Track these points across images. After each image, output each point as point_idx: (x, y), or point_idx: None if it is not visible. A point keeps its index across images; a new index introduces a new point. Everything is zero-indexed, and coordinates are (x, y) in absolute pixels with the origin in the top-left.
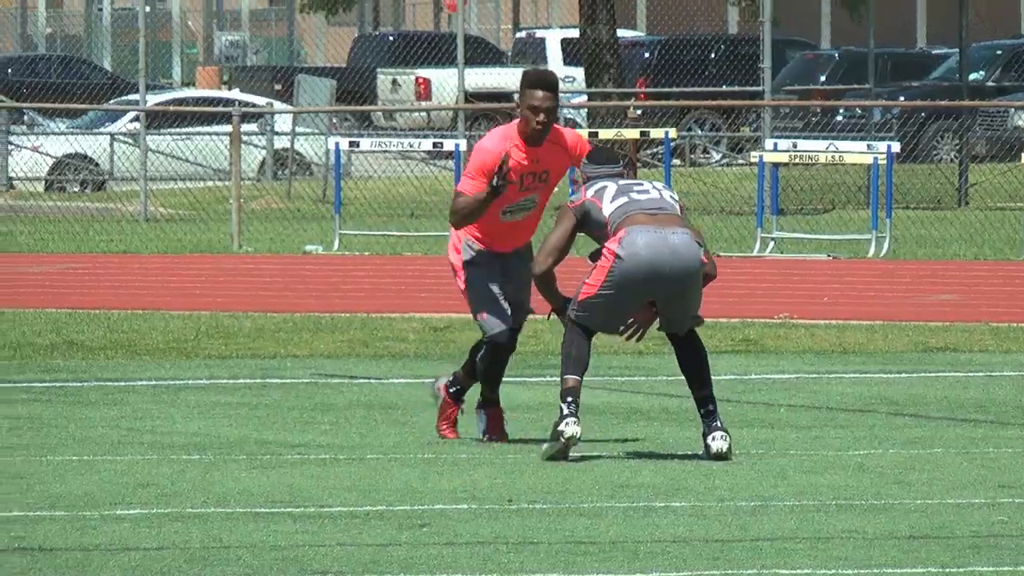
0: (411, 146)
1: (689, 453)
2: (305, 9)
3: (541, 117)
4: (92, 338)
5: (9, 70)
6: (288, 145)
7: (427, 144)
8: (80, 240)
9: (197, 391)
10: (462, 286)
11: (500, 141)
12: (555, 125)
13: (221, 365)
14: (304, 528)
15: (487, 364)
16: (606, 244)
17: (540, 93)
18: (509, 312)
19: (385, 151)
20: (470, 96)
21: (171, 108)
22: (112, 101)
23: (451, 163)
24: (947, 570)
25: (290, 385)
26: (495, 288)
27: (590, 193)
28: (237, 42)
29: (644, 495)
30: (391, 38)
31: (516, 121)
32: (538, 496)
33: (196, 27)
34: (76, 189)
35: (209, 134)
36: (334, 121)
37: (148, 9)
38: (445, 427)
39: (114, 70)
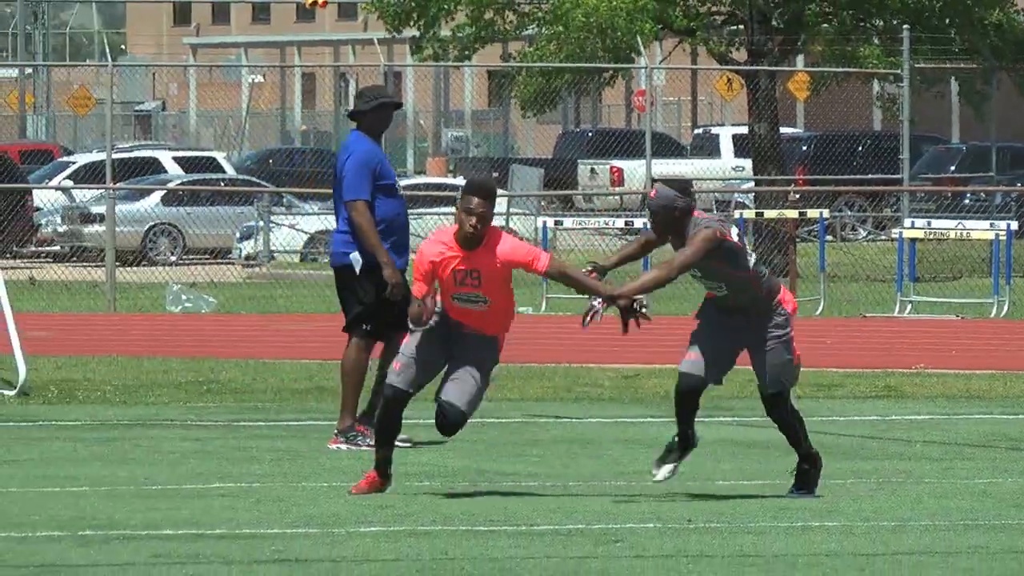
0: (606, 224)
1: (840, 482)
2: (519, 109)
3: (473, 221)
4: (336, 383)
5: (271, 160)
6: (504, 223)
7: (620, 222)
8: (330, 302)
9: (427, 428)
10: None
11: (434, 244)
12: (498, 232)
13: None
14: (516, 543)
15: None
16: (783, 299)
17: (475, 200)
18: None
19: (584, 228)
20: (655, 182)
21: (406, 193)
22: None
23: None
24: None
25: (504, 424)
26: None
27: (727, 230)
28: (461, 137)
29: (802, 516)
30: (590, 134)
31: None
32: (713, 517)
33: (427, 124)
34: (326, 260)
35: (438, 214)
36: (542, 203)
37: None
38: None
39: None
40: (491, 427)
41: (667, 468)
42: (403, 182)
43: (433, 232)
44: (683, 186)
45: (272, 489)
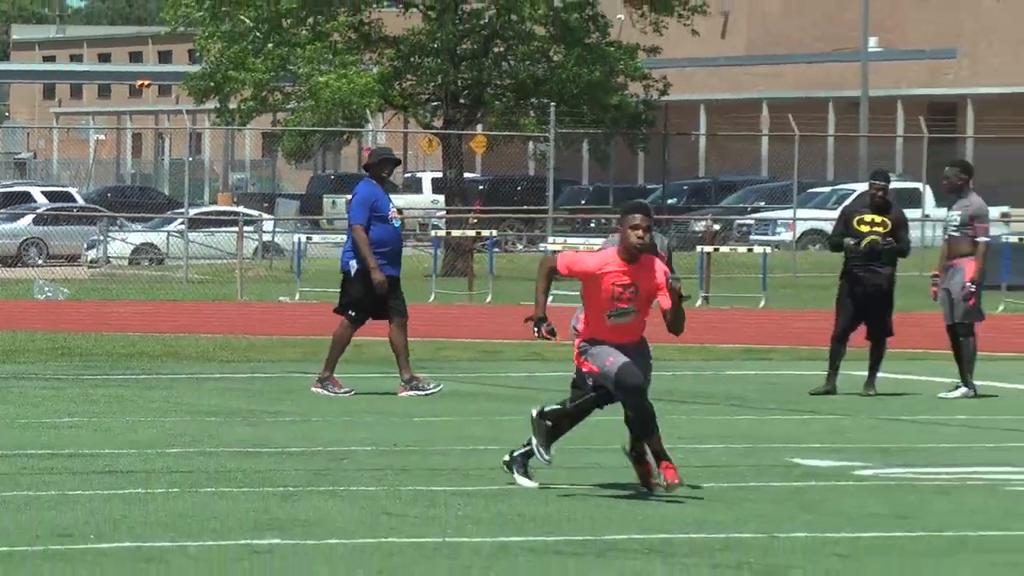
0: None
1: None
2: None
3: (640, 233)
4: (154, 349)
5: (109, 194)
6: (271, 238)
7: None
8: (148, 292)
9: (204, 381)
10: (582, 363)
11: (595, 256)
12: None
13: (225, 366)
14: (274, 462)
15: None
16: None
17: (640, 216)
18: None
19: (326, 242)
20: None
21: (203, 217)
22: (169, 212)
23: None
24: None
25: (268, 377)
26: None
27: None
28: (242, 178)
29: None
30: (332, 176)
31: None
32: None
33: (219, 169)
34: (146, 264)
35: (225, 232)
36: (298, 225)
37: (190, 159)
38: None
39: (170, 194)
40: (259, 380)
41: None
42: (202, 209)
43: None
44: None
45: (105, 422)
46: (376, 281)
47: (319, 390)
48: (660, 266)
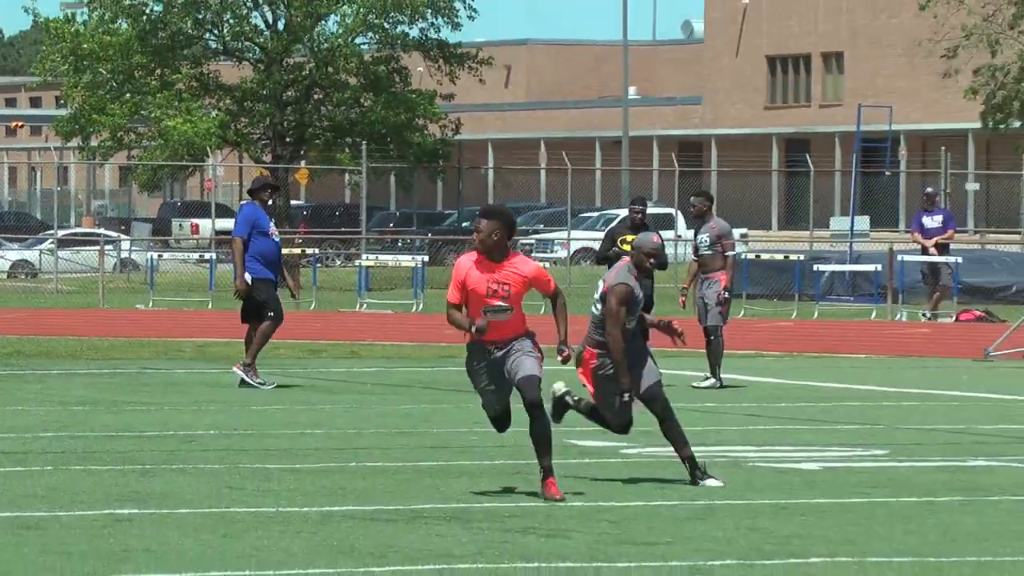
0: (187, 257)
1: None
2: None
3: (474, 236)
4: (29, 349)
5: None
6: (128, 255)
7: (195, 255)
8: (23, 301)
9: (73, 376)
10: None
11: (466, 259)
12: (517, 255)
13: (91, 363)
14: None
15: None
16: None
17: (482, 221)
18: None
19: (174, 259)
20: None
21: (70, 237)
22: (41, 234)
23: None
24: None
25: (125, 372)
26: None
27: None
28: (103, 204)
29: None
30: (179, 203)
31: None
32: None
33: (83, 197)
34: (22, 277)
35: (88, 250)
36: (151, 244)
37: (59, 189)
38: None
39: (42, 218)
40: (119, 375)
41: None
42: (69, 231)
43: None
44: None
45: None
46: (237, 287)
47: (238, 371)
48: (528, 263)
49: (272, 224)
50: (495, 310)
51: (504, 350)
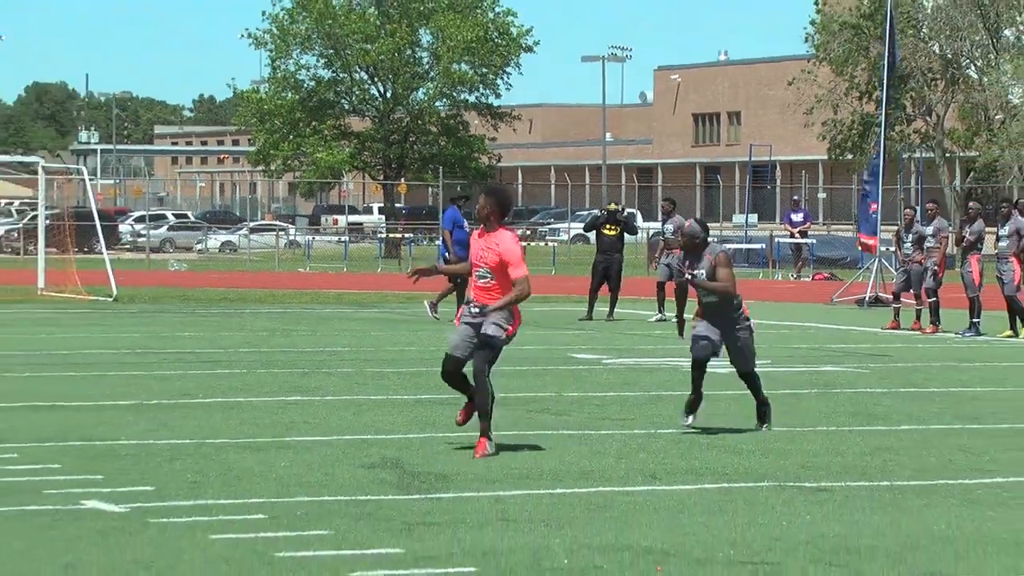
0: (337, 239)
1: None
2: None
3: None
4: (232, 296)
5: (207, 215)
6: (294, 238)
7: None
8: (228, 267)
9: (268, 314)
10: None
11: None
12: (503, 231)
13: (278, 304)
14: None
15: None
16: (745, 310)
17: (482, 197)
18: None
19: (325, 240)
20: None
21: (258, 226)
22: (239, 224)
23: None
24: None
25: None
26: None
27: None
28: (278, 206)
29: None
30: (325, 205)
31: None
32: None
33: (265, 201)
34: (227, 252)
35: (268, 234)
36: (308, 230)
37: (249, 196)
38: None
39: (239, 215)
40: (287, 313)
41: (691, 417)
42: (253, 223)
43: None
44: (705, 224)
45: (208, 335)
46: (436, 266)
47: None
48: (504, 240)
49: (465, 221)
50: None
51: (482, 314)
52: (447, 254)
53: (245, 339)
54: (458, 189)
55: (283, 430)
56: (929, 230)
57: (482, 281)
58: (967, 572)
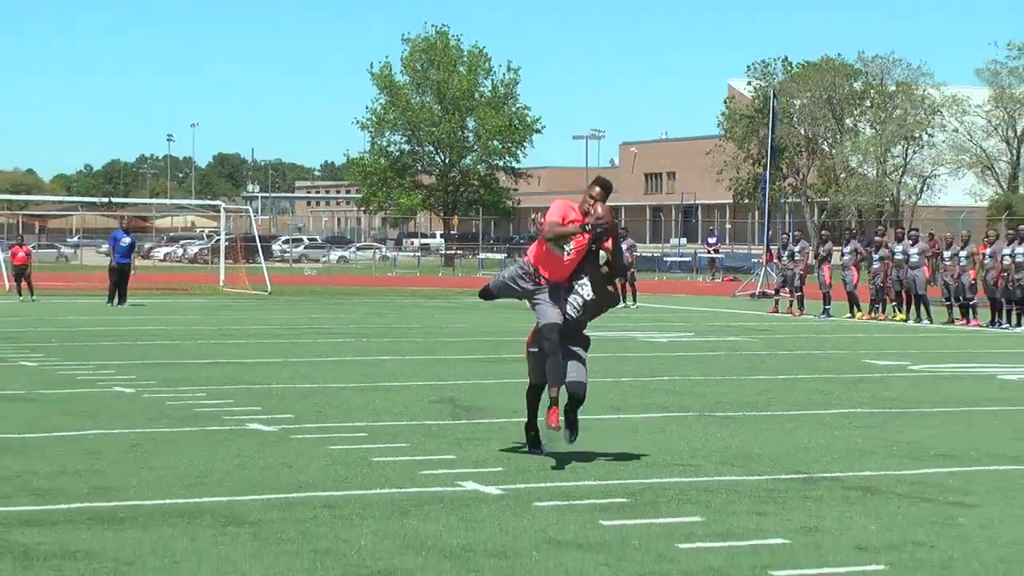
0: (415, 253)
1: None
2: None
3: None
4: (341, 291)
5: (324, 238)
6: (384, 254)
7: None
8: (342, 271)
9: (367, 304)
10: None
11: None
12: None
13: (373, 297)
14: None
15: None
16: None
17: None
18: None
19: (405, 254)
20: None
21: (361, 246)
22: (350, 245)
23: None
24: None
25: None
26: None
27: None
28: (375, 232)
29: None
30: (404, 231)
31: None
32: None
33: (364, 229)
34: (340, 263)
35: (367, 251)
36: (394, 247)
37: (355, 227)
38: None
39: (349, 238)
40: (381, 302)
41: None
42: (358, 244)
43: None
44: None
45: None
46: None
47: None
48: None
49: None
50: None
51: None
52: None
53: (353, 319)
54: (474, 223)
55: (378, 379)
56: (797, 248)
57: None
58: (820, 469)
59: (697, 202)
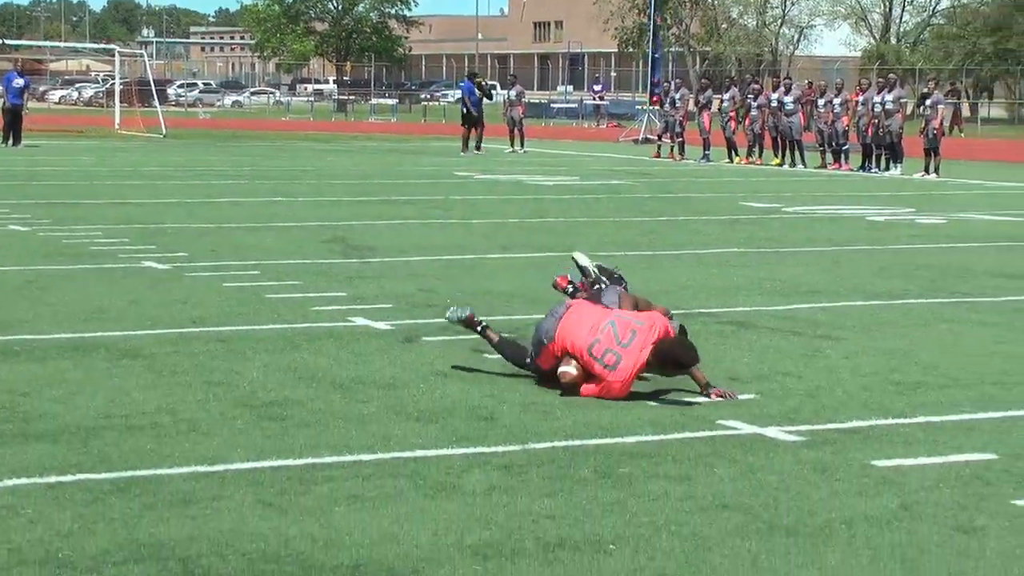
0: (313, 97)
1: None
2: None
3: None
4: (230, 133)
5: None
6: (280, 100)
7: None
8: (236, 115)
9: (257, 147)
10: None
11: None
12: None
13: (256, 140)
14: None
15: None
16: None
17: None
18: None
19: (300, 99)
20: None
21: (256, 91)
22: (243, 90)
23: None
24: None
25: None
26: None
27: None
28: (269, 78)
29: None
30: (298, 77)
31: None
32: None
33: (259, 75)
34: (236, 107)
35: (263, 96)
36: (288, 92)
37: (250, 72)
38: None
39: (244, 83)
40: (263, 145)
41: None
42: (252, 89)
43: None
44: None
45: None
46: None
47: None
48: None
49: (475, 89)
50: None
51: None
52: (465, 108)
53: (247, 162)
54: (474, 70)
55: (271, 218)
56: (678, 95)
57: None
58: (697, 305)
59: (584, 50)
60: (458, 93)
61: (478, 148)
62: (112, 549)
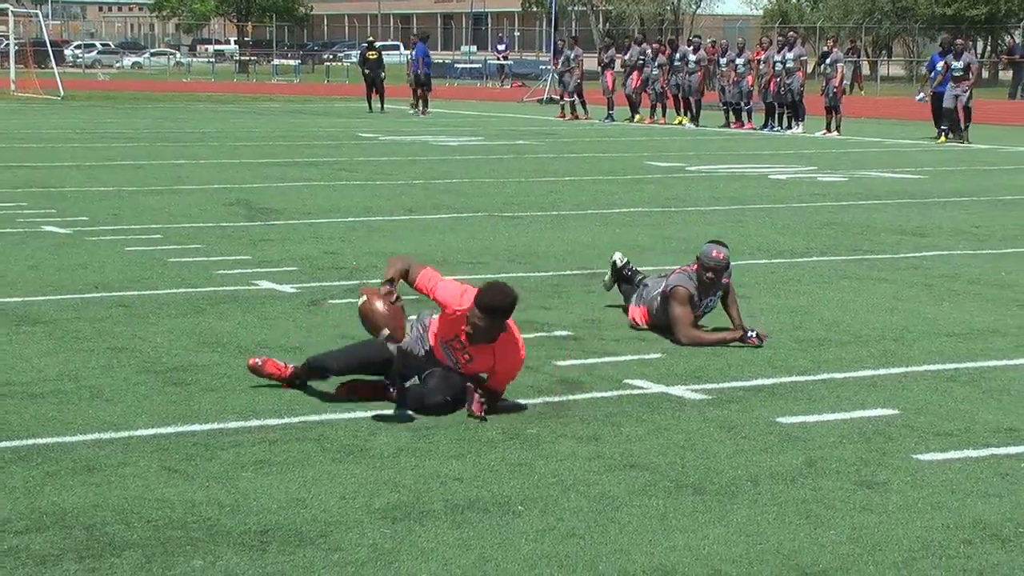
0: (210, 59)
1: None
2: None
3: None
4: (129, 96)
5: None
6: (180, 61)
7: None
8: (136, 77)
9: (159, 109)
10: None
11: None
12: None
13: (166, 103)
14: None
15: None
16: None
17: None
18: None
19: (200, 60)
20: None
21: (156, 52)
22: (143, 51)
23: None
24: None
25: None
26: None
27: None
28: (168, 39)
29: None
30: (197, 37)
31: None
32: None
33: (158, 35)
34: (135, 68)
35: (162, 57)
36: (187, 54)
37: (148, 32)
38: None
39: (144, 44)
40: (176, 107)
41: None
42: (152, 50)
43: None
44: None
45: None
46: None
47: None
48: None
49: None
50: None
51: None
52: (418, 70)
53: (148, 124)
54: (425, 32)
55: (173, 182)
56: (572, 54)
57: None
58: (602, 265)
59: (487, 10)
60: (357, 54)
61: (382, 110)
62: (13, 518)
